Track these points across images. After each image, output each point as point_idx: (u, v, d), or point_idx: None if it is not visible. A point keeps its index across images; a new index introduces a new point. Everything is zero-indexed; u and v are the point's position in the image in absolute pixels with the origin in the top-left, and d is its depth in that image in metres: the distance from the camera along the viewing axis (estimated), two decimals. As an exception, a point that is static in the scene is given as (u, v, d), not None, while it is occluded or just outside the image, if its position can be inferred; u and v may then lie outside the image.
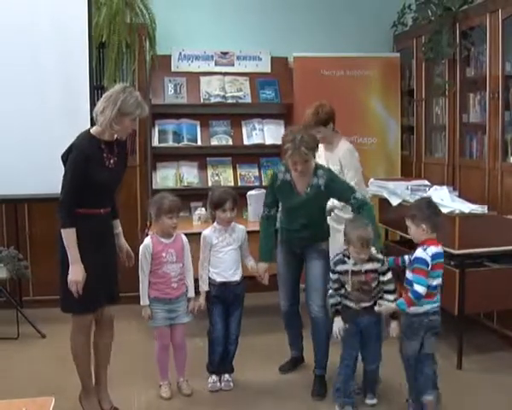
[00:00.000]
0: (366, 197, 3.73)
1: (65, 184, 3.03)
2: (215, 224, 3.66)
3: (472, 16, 4.55)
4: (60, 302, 3.15)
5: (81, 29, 4.52)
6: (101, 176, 3.09)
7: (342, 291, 3.38)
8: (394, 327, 3.31)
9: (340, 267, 3.35)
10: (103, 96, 3.15)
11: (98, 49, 4.93)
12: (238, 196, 3.70)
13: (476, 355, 4.01)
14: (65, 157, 3.08)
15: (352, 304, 3.35)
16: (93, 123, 4.53)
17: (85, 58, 4.55)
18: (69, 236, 3.01)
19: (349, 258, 3.33)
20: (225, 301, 3.65)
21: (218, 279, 3.62)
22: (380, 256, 3.36)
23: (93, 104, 4.66)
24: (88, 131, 3.15)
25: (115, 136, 3.15)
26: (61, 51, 4.48)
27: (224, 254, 3.62)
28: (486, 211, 3.95)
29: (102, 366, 3.36)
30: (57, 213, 3.06)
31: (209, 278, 3.63)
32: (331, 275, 3.40)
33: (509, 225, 3.94)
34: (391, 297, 3.29)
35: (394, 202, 4.38)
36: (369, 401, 3.47)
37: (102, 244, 3.18)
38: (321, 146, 4.13)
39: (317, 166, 3.59)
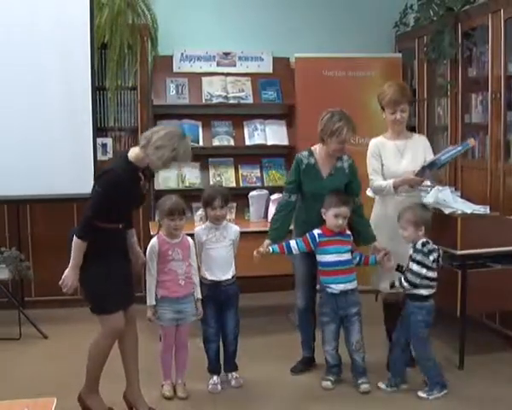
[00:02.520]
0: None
1: (95, 203, 3.09)
2: (207, 222, 3.68)
3: (474, 16, 4.55)
4: (90, 305, 3.19)
5: (83, 30, 4.52)
6: (130, 199, 3.23)
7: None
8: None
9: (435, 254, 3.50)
10: (161, 130, 3.13)
11: (100, 50, 4.93)
12: (229, 194, 3.71)
13: (478, 356, 4.00)
14: (98, 176, 3.13)
15: None
16: (95, 124, 4.67)
17: (87, 59, 4.55)
18: (80, 247, 3.08)
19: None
20: (217, 300, 3.64)
21: (209, 277, 3.63)
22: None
23: (95, 106, 4.70)
24: (126, 157, 3.15)
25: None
26: (62, 51, 4.49)
27: (214, 252, 3.63)
28: (489, 211, 3.94)
29: (133, 367, 3.35)
30: (80, 224, 3.13)
31: (201, 277, 3.65)
32: (423, 270, 3.44)
33: (512, 226, 3.93)
34: None
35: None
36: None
37: (121, 253, 3.28)
38: (380, 140, 3.92)
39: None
